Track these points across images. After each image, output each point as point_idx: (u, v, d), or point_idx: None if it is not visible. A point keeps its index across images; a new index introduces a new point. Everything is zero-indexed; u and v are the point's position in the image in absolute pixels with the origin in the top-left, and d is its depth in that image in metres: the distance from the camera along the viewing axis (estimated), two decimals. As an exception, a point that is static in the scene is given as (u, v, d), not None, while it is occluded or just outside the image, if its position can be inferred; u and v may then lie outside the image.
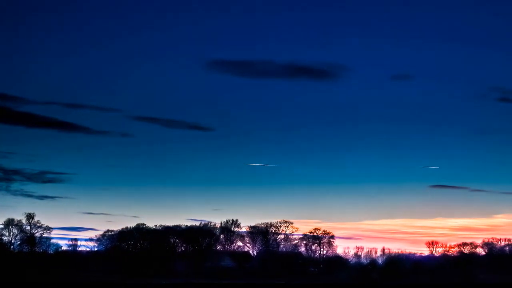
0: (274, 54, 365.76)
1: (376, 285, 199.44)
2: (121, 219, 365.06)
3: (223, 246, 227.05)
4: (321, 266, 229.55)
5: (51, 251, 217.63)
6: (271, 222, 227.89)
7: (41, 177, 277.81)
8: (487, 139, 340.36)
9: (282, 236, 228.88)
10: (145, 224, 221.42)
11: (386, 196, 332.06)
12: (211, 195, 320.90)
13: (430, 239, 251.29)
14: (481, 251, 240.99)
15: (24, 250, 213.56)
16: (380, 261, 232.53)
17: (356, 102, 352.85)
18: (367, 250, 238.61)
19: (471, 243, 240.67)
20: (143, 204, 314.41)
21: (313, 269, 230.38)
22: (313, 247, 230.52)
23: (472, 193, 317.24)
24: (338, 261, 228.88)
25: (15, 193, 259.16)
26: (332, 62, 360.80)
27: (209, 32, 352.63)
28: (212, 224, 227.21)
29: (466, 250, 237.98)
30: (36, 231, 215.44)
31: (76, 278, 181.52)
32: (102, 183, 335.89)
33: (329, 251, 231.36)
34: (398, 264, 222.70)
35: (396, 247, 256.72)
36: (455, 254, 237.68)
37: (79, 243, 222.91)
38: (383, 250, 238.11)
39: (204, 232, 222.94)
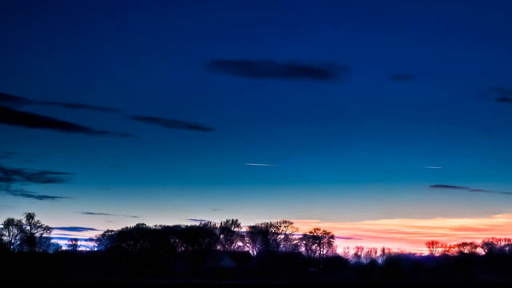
0: (274, 54, 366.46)
1: (376, 285, 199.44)
2: (121, 219, 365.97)
3: (223, 246, 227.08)
4: (321, 266, 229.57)
5: (51, 251, 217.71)
6: (271, 222, 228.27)
7: (41, 177, 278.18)
8: (487, 139, 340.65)
9: (282, 236, 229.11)
10: (145, 224, 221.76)
11: (386, 196, 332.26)
12: (211, 195, 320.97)
13: (430, 239, 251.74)
14: (481, 251, 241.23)
15: (24, 250, 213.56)
16: (380, 261, 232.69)
17: (356, 102, 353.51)
18: (367, 250, 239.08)
19: (471, 243, 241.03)
20: (143, 204, 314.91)
21: (313, 269, 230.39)
22: (313, 247, 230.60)
23: (472, 193, 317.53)
24: (338, 261, 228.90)
25: (15, 193, 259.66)
26: (332, 62, 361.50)
27: (209, 31, 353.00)
28: (212, 224, 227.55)
29: (466, 250, 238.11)
30: (36, 231, 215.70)
31: (76, 278, 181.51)
32: (102, 183, 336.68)
33: (329, 251, 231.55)
34: (398, 264, 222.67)
35: (396, 247, 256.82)
36: (455, 254, 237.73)
37: (79, 243, 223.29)
38: (383, 250, 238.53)
39: (204, 232, 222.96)
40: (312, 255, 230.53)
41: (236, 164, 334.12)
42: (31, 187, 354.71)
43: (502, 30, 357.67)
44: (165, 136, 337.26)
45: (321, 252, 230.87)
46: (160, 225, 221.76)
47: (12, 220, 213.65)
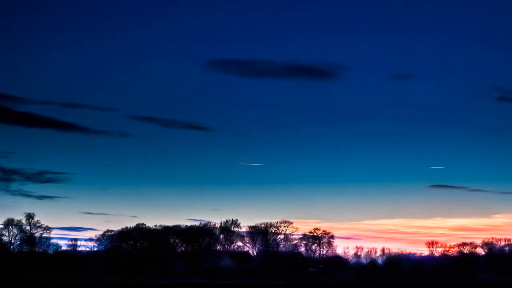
0: (274, 54, 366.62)
1: (376, 285, 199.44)
2: (120, 219, 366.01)
3: (223, 246, 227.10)
4: (321, 266, 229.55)
5: (51, 251, 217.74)
6: (270, 222, 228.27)
7: (40, 177, 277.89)
8: (487, 138, 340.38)
9: (282, 236, 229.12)
10: (145, 224, 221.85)
11: (385, 196, 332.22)
12: (211, 195, 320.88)
13: (430, 239, 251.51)
14: (480, 251, 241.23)
15: (24, 250, 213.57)
16: (379, 261, 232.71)
17: (356, 102, 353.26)
18: (367, 250, 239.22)
19: (470, 243, 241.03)
20: (143, 204, 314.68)
21: (312, 269, 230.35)
22: (313, 247, 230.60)
23: (472, 193, 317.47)
24: (338, 261, 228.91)
25: (14, 193, 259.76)
26: (332, 62, 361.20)
27: (208, 31, 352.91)
28: (211, 224, 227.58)
29: (466, 250, 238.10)
30: (35, 231, 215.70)
31: (76, 278, 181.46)
32: (101, 183, 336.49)
33: (329, 251, 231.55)
34: (397, 264, 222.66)
35: (395, 247, 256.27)
36: (454, 254, 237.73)
37: (78, 243, 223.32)
38: (383, 250, 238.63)
39: (203, 232, 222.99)
40: (312, 255, 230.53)
41: (235, 164, 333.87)
42: (30, 187, 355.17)
43: (502, 30, 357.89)
44: (165, 136, 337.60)
45: (321, 252, 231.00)
46: (160, 225, 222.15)
47: (12, 220, 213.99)
